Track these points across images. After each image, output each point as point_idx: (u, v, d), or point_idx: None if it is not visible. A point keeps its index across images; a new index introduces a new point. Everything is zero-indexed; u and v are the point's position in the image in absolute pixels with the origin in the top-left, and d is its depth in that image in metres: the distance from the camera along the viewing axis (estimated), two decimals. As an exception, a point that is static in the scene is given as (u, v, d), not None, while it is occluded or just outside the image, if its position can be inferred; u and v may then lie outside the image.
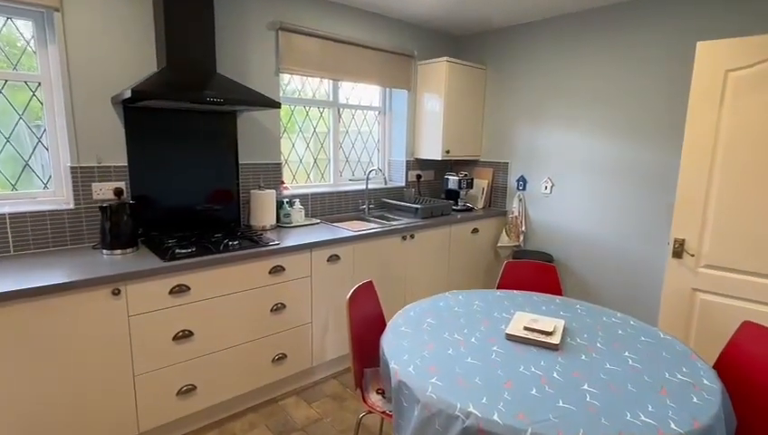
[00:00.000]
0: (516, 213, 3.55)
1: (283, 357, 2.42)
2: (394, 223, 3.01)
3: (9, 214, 2.02)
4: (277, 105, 2.35)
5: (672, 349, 1.58)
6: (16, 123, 2.11)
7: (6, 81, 2.06)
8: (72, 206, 2.18)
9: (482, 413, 1.17)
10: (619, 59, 2.91)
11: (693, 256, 2.27)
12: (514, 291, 2.16)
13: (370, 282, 1.94)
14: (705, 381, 1.36)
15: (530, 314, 1.77)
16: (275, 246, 2.31)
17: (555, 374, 1.39)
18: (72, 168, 2.16)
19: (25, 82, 2.11)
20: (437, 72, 3.45)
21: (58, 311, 1.70)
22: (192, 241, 2.28)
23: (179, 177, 2.49)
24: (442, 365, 1.43)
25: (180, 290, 2.00)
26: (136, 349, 1.91)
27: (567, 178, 3.27)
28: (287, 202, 2.84)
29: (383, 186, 3.55)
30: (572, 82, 3.16)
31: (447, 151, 3.52)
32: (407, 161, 3.69)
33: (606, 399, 1.26)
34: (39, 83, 2.13)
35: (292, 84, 3.10)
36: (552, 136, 3.32)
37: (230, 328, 2.19)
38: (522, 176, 3.56)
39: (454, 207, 3.55)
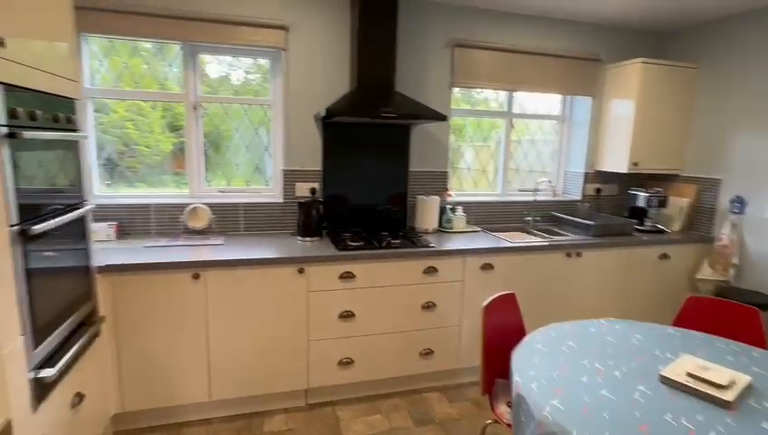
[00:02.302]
0: (727, 241, 2.90)
1: (429, 353, 2.59)
2: (558, 238, 2.85)
3: (243, 203, 2.74)
4: (443, 118, 2.53)
5: None
6: (251, 137, 2.84)
7: (251, 104, 2.80)
8: (281, 200, 2.80)
9: (598, 448, 1.09)
10: None
11: None
12: (694, 331, 1.83)
13: (512, 294, 1.93)
14: None
15: (700, 360, 1.49)
16: (431, 249, 2.49)
17: (714, 433, 1.16)
18: (284, 170, 2.78)
19: (261, 106, 2.82)
20: (629, 75, 3.09)
21: (265, 278, 2.24)
22: (362, 236, 2.66)
23: (358, 181, 2.91)
24: (569, 390, 1.36)
25: (348, 276, 2.36)
26: (312, 319, 2.35)
27: (809, 203, 2.52)
28: (450, 208, 3.00)
29: (553, 198, 3.37)
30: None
31: (635, 164, 3.12)
32: (585, 173, 3.41)
33: (779, 480, 1.01)
34: (269, 105, 2.81)
35: (471, 94, 3.24)
36: (790, 147, 2.60)
37: (385, 316, 2.47)
38: (738, 196, 2.88)
39: (638, 227, 3.12)
